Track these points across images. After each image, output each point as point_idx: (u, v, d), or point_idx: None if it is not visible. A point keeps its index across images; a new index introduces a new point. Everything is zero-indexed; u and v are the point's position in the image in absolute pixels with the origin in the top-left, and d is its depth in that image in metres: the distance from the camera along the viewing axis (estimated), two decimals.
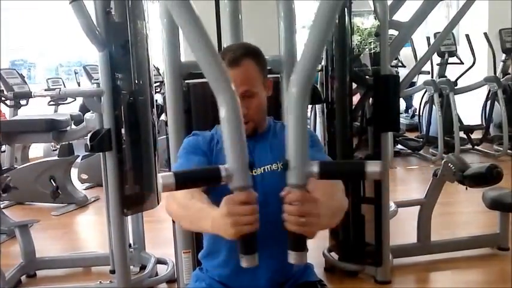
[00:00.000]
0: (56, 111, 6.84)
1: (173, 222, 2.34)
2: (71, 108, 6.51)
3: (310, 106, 7.15)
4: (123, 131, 2.69)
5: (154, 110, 2.96)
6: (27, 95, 5.01)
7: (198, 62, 1.03)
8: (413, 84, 6.95)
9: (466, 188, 3.02)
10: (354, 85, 2.88)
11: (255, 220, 1.10)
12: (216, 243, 1.51)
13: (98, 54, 2.57)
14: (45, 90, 5.94)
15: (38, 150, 6.70)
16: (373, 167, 1.05)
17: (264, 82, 1.55)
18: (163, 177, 1.07)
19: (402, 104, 9.06)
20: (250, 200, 1.09)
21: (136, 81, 2.73)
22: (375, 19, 2.90)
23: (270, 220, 1.45)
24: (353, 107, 2.87)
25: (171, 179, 1.06)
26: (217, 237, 1.49)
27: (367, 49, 2.90)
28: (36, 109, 6.07)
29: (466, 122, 6.52)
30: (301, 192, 1.08)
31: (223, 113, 1.06)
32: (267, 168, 1.50)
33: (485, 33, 6.56)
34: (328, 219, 1.25)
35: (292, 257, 1.09)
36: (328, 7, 0.98)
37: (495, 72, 6.47)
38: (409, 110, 8.54)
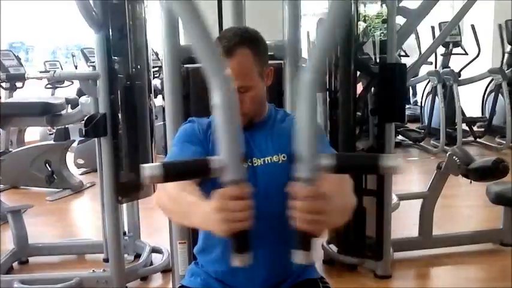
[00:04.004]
0: (52, 94, 6.74)
1: None
2: (68, 92, 6.41)
3: None
4: (119, 116, 2.62)
5: (152, 95, 2.88)
6: (21, 77, 4.95)
7: (191, 43, 0.95)
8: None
9: (471, 182, 2.95)
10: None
11: (248, 217, 0.99)
12: (211, 238, 1.42)
13: (94, 36, 2.49)
14: (40, 72, 5.85)
15: (34, 134, 6.61)
16: (391, 162, 0.98)
17: (261, 72, 1.40)
18: (150, 168, 0.97)
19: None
20: (243, 195, 0.99)
21: (133, 65, 2.66)
22: (382, 6, 2.82)
23: (270, 215, 1.38)
24: (357, 96, 2.80)
25: (159, 170, 0.96)
26: (211, 232, 1.42)
27: (371, 38, 2.81)
28: (33, 92, 5.97)
29: (467, 114, 6.44)
30: (312, 187, 0.98)
31: (216, 99, 0.96)
32: (268, 159, 1.39)
33: (499, 25, 6.45)
34: (338, 218, 1.17)
35: (297, 257, 0.99)
36: None
37: (502, 64, 6.38)
38: (416, 99, 8.46)
